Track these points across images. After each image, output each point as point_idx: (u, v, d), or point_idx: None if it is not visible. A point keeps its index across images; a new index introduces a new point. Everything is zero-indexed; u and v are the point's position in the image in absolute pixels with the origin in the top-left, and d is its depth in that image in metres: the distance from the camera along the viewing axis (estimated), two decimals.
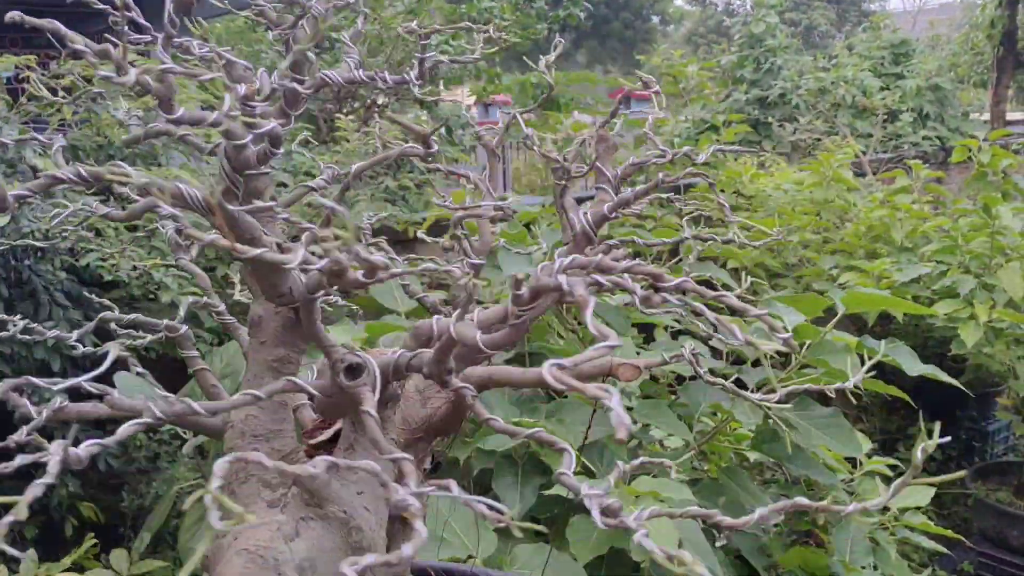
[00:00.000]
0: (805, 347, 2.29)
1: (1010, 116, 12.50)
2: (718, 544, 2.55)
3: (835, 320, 2.11)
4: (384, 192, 5.36)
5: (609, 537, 1.77)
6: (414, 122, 4.51)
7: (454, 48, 6.43)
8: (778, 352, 2.47)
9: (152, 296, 3.70)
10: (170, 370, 3.75)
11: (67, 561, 2.92)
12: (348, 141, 5.13)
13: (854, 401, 5.12)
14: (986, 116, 11.65)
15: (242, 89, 1.09)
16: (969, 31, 12.30)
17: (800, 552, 2.34)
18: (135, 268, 3.47)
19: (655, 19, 36.58)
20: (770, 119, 8.36)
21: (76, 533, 3.74)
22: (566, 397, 2.33)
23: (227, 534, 0.86)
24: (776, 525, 2.74)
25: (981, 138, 5.19)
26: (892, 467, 2.82)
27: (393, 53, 6.17)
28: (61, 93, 4.22)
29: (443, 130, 6.28)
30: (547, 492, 1.83)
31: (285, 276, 0.86)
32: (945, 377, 2.21)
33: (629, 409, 2.19)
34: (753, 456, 2.69)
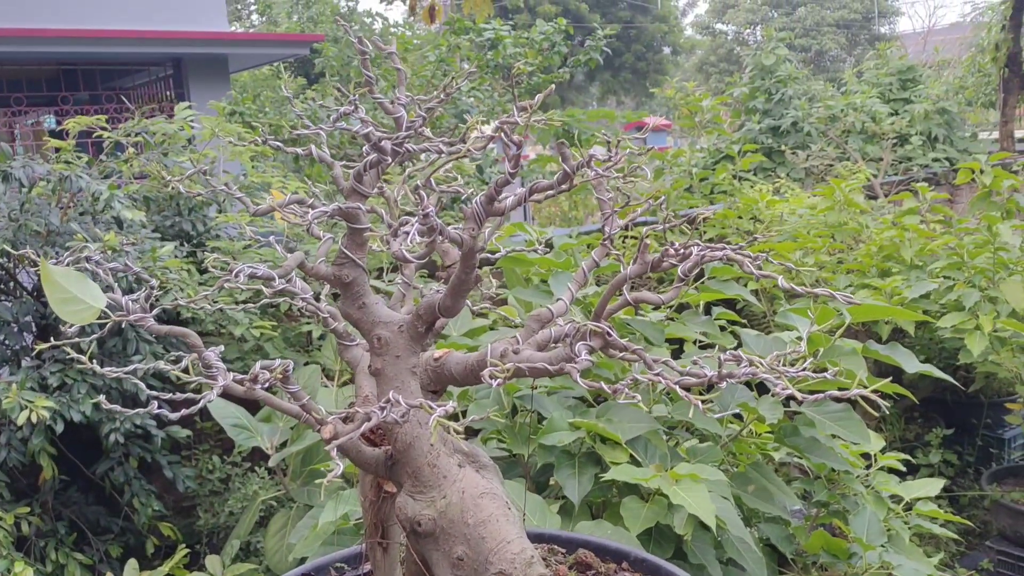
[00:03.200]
0: (819, 353, 2.62)
1: (1020, 134, 12.79)
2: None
3: (843, 328, 2.43)
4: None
5: (656, 514, 2.09)
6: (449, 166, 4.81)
7: (481, 93, 6.82)
8: (795, 359, 2.79)
9: (223, 331, 4.07)
10: (240, 398, 4.10)
11: (164, 569, 3.25)
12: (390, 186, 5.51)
13: (873, 412, 5.39)
14: (995, 135, 11.94)
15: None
16: (975, 54, 12.63)
17: (822, 535, 2.64)
18: (211, 305, 3.81)
19: (666, 50, 37.07)
20: (783, 147, 8.70)
21: (156, 552, 4.09)
22: (611, 399, 2.66)
23: (458, 489, 1.25)
24: (805, 518, 3.04)
25: (984, 160, 5.50)
26: (905, 463, 3.11)
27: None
28: (131, 149, 4.64)
29: (474, 167, 6.67)
30: (603, 479, 2.16)
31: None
32: (939, 373, 2.52)
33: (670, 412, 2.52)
34: (778, 456, 3.00)
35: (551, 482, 2.49)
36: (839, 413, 2.36)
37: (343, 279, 1.32)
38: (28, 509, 3.69)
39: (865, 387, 2.42)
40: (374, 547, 1.50)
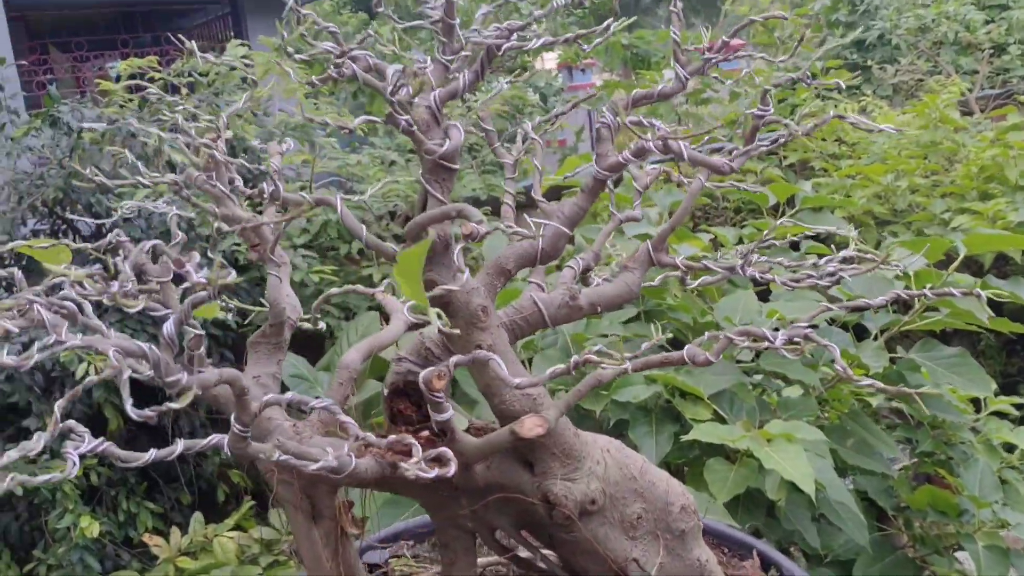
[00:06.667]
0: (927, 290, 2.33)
1: None
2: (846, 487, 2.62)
3: (956, 263, 2.15)
4: (484, 165, 5.49)
5: (745, 478, 1.88)
6: (510, 92, 4.60)
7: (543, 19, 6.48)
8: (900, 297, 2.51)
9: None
10: (302, 345, 3.99)
11: (230, 522, 3.19)
12: (449, 117, 5.28)
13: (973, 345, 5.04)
14: None
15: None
16: None
17: (929, 491, 2.40)
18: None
19: None
20: (869, 62, 8.14)
21: (227, 499, 4.06)
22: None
23: (602, 448, 1.16)
24: (902, 468, 2.78)
25: None
26: (1018, 407, 2.82)
27: (484, 24, 6.28)
28: (184, 90, 4.49)
29: (537, 97, 6.38)
30: (683, 439, 1.95)
31: None
32: None
33: (755, 358, 2.28)
34: (875, 402, 2.74)
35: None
36: (953, 359, 2.09)
37: (443, 240, 1.08)
38: (97, 460, 3.66)
39: (980, 329, 2.13)
40: None
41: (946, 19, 8.75)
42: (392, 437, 0.91)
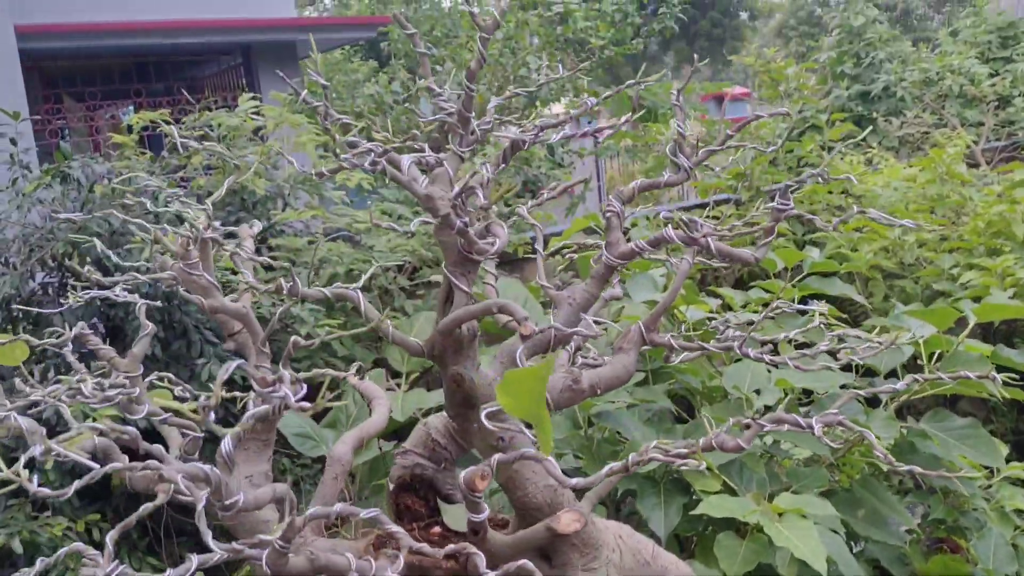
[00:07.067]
0: (935, 357, 2.32)
1: None
2: (854, 552, 2.58)
3: (966, 331, 2.13)
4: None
5: (755, 554, 1.85)
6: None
7: (552, 70, 6.55)
8: (910, 362, 2.49)
9: (290, 330, 3.94)
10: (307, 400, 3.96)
11: None
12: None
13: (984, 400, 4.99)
14: None
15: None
16: None
17: (942, 560, 2.36)
18: (274, 304, 3.71)
19: (743, 15, 36.07)
20: (875, 114, 8.19)
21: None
22: (695, 418, 2.42)
23: (614, 535, 1.15)
24: (912, 532, 2.74)
25: None
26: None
27: (493, 79, 6.35)
28: (193, 144, 4.52)
29: (545, 150, 6.42)
30: (692, 512, 1.92)
31: None
32: None
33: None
34: (886, 466, 2.71)
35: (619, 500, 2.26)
36: (965, 430, 2.07)
37: (471, 333, 1.07)
38: (99, 516, 3.64)
39: (992, 396, 2.11)
40: None
41: (951, 72, 8.83)
42: (450, 547, 0.89)
